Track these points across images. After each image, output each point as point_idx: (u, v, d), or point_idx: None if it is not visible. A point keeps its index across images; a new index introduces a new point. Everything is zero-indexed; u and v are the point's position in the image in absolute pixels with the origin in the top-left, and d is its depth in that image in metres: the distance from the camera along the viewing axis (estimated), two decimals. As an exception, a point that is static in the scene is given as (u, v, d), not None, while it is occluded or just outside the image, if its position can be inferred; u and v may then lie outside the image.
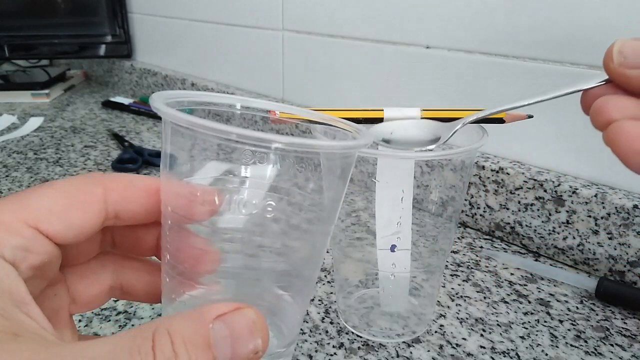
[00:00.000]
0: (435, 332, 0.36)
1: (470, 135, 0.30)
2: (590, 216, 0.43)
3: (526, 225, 0.48)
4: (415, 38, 0.55)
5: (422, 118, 0.29)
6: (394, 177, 0.30)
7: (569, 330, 0.37)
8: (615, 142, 0.21)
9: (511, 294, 0.41)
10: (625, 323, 0.38)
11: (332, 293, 0.41)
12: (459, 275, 0.44)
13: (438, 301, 0.40)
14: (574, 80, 0.43)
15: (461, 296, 0.41)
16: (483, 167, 0.49)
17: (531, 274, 0.44)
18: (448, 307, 0.39)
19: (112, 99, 0.99)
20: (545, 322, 0.38)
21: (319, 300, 0.40)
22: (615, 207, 0.41)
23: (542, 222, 0.46)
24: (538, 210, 0.46)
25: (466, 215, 0.52)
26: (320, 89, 0.68)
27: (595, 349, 0.35)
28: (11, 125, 0.86)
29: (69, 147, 0.75)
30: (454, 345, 0.35)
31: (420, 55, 0.55)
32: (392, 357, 0.34)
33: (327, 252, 0.38)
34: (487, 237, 0.51)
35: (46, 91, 1.03)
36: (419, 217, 0.34)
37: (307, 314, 0.38)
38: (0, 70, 1.20)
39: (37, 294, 0.19)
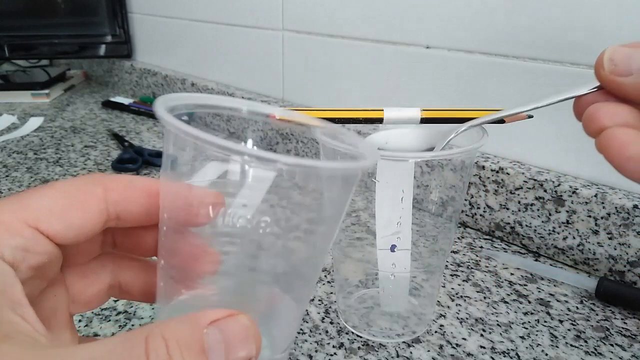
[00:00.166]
0: (435, 332, 0.36)
1: (470, 136, 0.30)
2: (590, 216, 0.43)
3: (526, 225, 0.48)
4: (415, 38, 0.55)
5: (421, 118, 0.29)
6: (394, 177, 0.30)
7: (569, 330, 0.37)
8: (608, 149, 0.21)
9: (511, 294, 0.41)
10: (625, 323, 0.38)
11: (332, 293, 0.41)
12: (459, 275, 0.44)
13: (438, 301, 0.40)
14: (574, 80, 0.43)
15: (461, 296, 0.41)
16: (483, 167, 0.49)
17: (531, 274, 0.44)
18: (448, 307, 0.39)
19: (112, 99, 0.99)
20: (545, 322, 0.38)
21: (319, 300, 0.40)
22: (615, 207, 0.41)
23: (542, 222, 0.46)
24: (538, 210, 0.46)
25: (466, 215, 0.52)
26: (320, 89, 0.68)
27: (595, 349, 0.35)
28: (11, 125, 0.86)
29: (69, 147, 0.75)
30: (454, 345, 0.35)
31: (420, 55, 0.55)
32: (392, 357, 0.34)
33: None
34: (487, 237, 0.51)
35: (46, 91, 1.03)
36: (419, 217, 0.34)
37: (307, 314, 0.38)
38: (0, 70, 1.20)
39: (36, 294, 0.19)
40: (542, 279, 0.44)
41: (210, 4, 0.83)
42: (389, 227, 0.31)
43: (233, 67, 0.83)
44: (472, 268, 0.45)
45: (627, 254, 0.42)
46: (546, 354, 0.34)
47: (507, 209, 0.49)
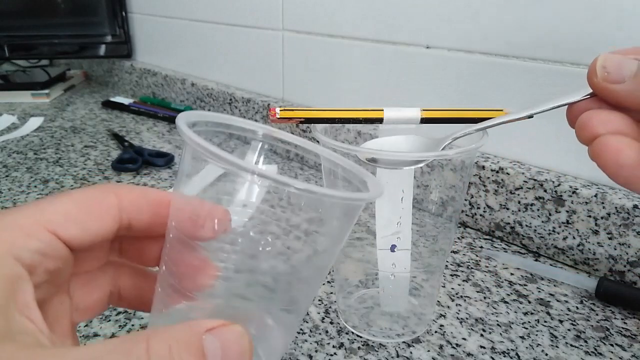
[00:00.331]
0: (435, 332, 0.36)
1: (470, 136, 0.30)
2: (590, 216, 0.43)
3: (526, 225, 0.48)
4: (415, 38, 0.55)
5: (421, 118, 0.29)
6: (394, 177, 0.30)
7: (569, 330, 0.37)
8: (601, 156, 0.21)
9: (511, 294, 0.41)
10: (625, 323, 0.38)
11: (332, 293, 0.41)
12: (459, 275, 0.44)
13: (438, 301, 0.40)
14: (574, 81, 0.43)
15: (461, 296, 0.41)
16: (483, 167, 0.49)
17: (531, 274, 0.44)
18: (448, 307, 0.39)
19: (112, 99, 0.99)
20: (545, 322, 0.38)
21: (319, 300, 0.40)
22: (615, 207, 0.41)
23: (542, 222, 0.46)
24: (538, 210, 0.46)
25: (466, 215, 0.52)
26: (320, 88, 0.68)
27: (595, 349, 0.35)
28: (11, 125, 0.86)
29: (69, 147, 0.75)
30: (454, 345, 0.35)
31: (420, 55, 0.55)
32: (392, 357, 0.34)
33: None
34: (487, 237, 0.51)
35: (46, 91, 1.03)
36: (419, 217, 0.34)
37: (307, 314, 0.38)
38: (0, 70, 1.20)
39: (46, 299, 0.20)
40: (542, 279, 0.44)
41: (210, 4, 0.83)
42: (389, 227, 0.31)
43: (233, 67, 0.83)
44: (472, 268, 0.45)
45: (627, 254, 0.42)
46: (546, 354, 0.34)
47: (507, 209, 0.49)
